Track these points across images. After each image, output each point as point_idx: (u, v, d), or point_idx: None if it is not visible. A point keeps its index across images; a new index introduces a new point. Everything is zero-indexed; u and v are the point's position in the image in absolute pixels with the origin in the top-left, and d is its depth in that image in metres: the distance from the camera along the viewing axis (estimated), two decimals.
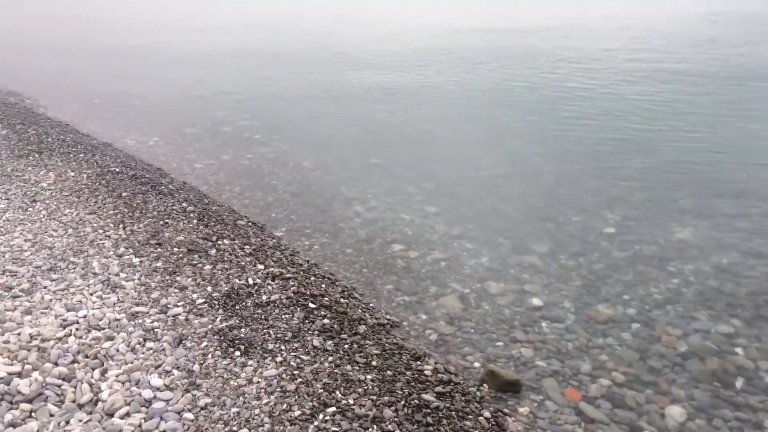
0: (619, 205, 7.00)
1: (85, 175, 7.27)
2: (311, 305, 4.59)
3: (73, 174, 7.29)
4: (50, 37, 20.76)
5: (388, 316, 4.83)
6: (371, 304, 5.01)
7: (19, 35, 21.42)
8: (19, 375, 3.43)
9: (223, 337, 3.96)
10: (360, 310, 4.80)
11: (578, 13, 27.77)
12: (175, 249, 5.36)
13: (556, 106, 11.13)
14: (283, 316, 4.36)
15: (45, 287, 4.49)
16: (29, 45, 19.10)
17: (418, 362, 4.08)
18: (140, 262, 5.03)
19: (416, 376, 3.88)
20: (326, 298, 4.81)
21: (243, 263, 5.23)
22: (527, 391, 3.93)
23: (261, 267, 5.19)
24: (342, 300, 4.91)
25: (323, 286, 5.11)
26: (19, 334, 3.82)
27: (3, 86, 12.92)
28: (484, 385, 3.96)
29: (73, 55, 17.23)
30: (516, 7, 26.62)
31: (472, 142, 9.36)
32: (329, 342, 4.08)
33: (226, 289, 4.68)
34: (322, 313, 4.51)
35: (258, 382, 3.54)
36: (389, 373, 3.83)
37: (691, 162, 8.27)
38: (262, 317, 4.31)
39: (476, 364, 4.21)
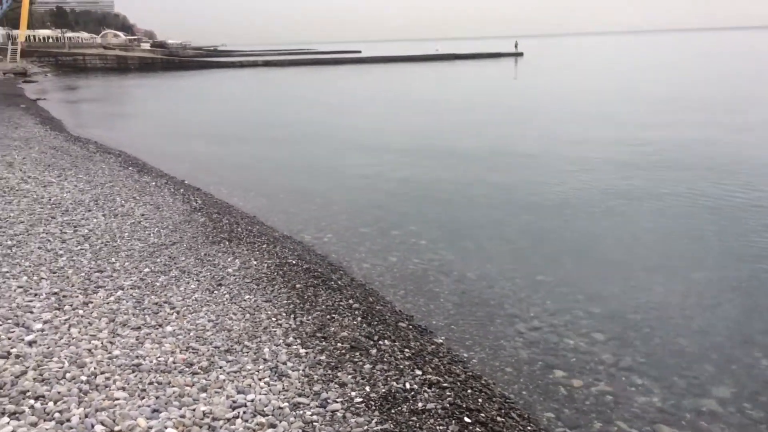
0: None
1: (265, 265, 7.84)
2: (467, 419, 4.47)
3: (255, 263, 7.90)
4: (243, 127, 23.29)
5: None
6: (529, 428, 4.76)
7: (203, 124, 24.28)
8: None
9: None
10: None
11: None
12: (339, 344, 5.53)
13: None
14: (438, 427, 4.27)
15: (221, 367, 4.81)
16: (219, 134, 21.56)
17: None
18: (306, 353, 5.25)
19: None
20: (482, 414, 4.67)
21: (402, 366, 5.26)
22: None
23: (419, 372, 5.19)
24: (499, 419, 4.73)
25: (480, 400, 4.97)
26: (194, 410, 4.09)
27: (201, 178, 14.53)
28: None
29: (262, 144, 19.10)
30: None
31: (652, 264, 8.86)
32: None
33: (383, 391, 4.71)
34: (478, 429, 4.37)
35: None
36: None
37: None
38: (417, 425, 4.26)
39: None
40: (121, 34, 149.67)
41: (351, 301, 6.92)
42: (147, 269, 7.27)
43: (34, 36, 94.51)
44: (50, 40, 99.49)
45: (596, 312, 7.27)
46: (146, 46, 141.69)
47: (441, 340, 6.43)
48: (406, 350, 5.73)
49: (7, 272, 6.62)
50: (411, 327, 6.62)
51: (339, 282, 7.69)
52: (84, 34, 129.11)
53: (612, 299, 7.67)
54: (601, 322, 6.97)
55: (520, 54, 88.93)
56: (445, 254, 9.38)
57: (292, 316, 6.15)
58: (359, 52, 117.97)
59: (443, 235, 10.37)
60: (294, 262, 8.18)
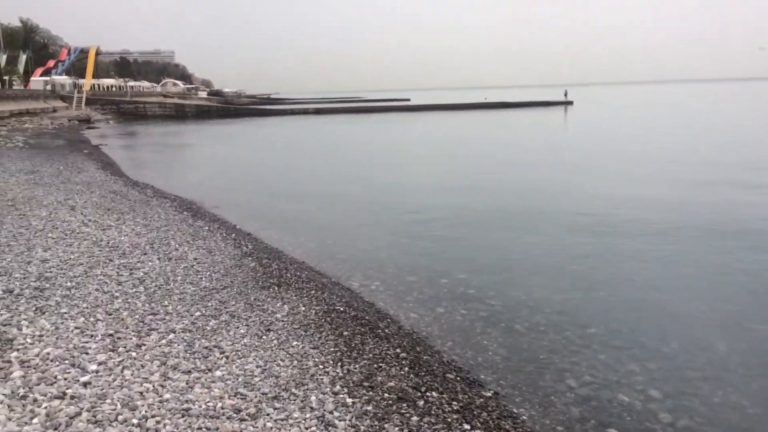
0: None
1: (313, 311, 7.88)
2: None
3: (303, 309, 7.95)
4: (294, 173, 23.74)
5: None
6: None
7: (254, 170, 24.83)
8: None
9: None
10: None
11: None
12: (386, 395, 5.48)
13: None
14: None
15: (268, 414, 4.82)
16: (270, 181, 21.99)
17: None
18: (353, 402, 5.21)
19: None
20: None
21: (449, 420, 5.17)
22: None
23: (467, 427, 5.09)
24: None
25: None
26: None
27: (252, 223, 14.80)
28: None
29: (312, 190, 19.39)
30: None
31: (712, 319, 8.54)
32: None
33: None
34: None
35: None
36: None
37: None
38: None
39: None
40: (179, 83, 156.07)
41: (398, 351, 6.87)
42: (198, 313, 7.39)
43: (98, 85, 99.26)
44: (113, 89, 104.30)
45: (652, 367, 7.02)
46: (203, 94, 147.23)
47: (489, 394, 6.30)
48: (454, 403, 5.63)
49: (66, 313, 6.83)
50: (459, 379, 6.52)
51: (386, 330, 7.66)
52: (145, 83, 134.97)
53: (669, 354, 7.41)
54: (657, 379, 6.73)
55: (570, 102, 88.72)
56: (494, 304, 9.26)
57: (339, 364, 6.14)
58: (408, 100, 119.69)
59: (492, 283, 10.25)
60: (342, 309, 8.20)
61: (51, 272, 8.38)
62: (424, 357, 6.95)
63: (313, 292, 8.91)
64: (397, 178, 23.92)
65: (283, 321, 7.39)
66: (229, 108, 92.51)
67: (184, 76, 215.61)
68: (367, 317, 8.05)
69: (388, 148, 37.59)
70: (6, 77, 77.78)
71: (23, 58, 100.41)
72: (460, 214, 16.12)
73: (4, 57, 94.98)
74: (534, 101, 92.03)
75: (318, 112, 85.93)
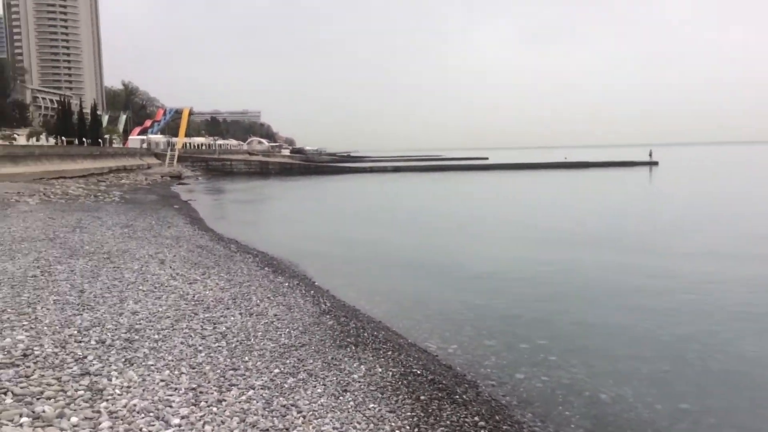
0: None
1: (390, 373, 7.82)
2: None
3: (380, 370, 7.90)
4: (373, 231, 23.95)
5: None
6: None
7: (334, 226, 25.15)
8: None
9: None
10: None
11: None
12: None
13: None
14: None
15: None
16: (349, 238, 22.25)
17: None
18: None
19: None
20: None
21: None
22: None
23: None
24: None
25: None
26: None
27: (331, 280, 14.98)
28: None
29: (391, 249, 19.48)
30: None
31: None
32: None
33: None
34: None
35: None
36: None
37: None
38: None
39: None
40: (264, 141, 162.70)
41: (477, 419, 6.69)
42: (277, 370, 7.48)
43: (189, 143, 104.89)
44: (203, 147, 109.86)
45: None
46: (286, 152, 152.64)
47: None
48: None
49: (153, 365, 7.06)
50: None
51: (464, 396, 7.49)
52: (232, 141, 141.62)
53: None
54: None
55: (655, 163, 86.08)
56: (576, 372, 8.91)
57: (417, 430, 6.02)
58: (486, 158, 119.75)
59: (573, 350, 9.90)
60: (419, 372, 8.10)
61: (140, 324, 8.73)
62: (504, 427, 6.73)
63: (390, 353, 8.86)
64: (476, 239, 23.76)
65: (359, 382, 7.37)
66: (310, 165, 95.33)
67: (269, 135, 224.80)
68: (444, 381, 7.91)
69: (466, 207, 37.50)
70: (107, 136, 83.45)
71: (123, 117, 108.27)
72: (539, 277, 15.78)
73: (107, 117, 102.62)
74: (616, 161, 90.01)
75: (396, 170, 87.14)
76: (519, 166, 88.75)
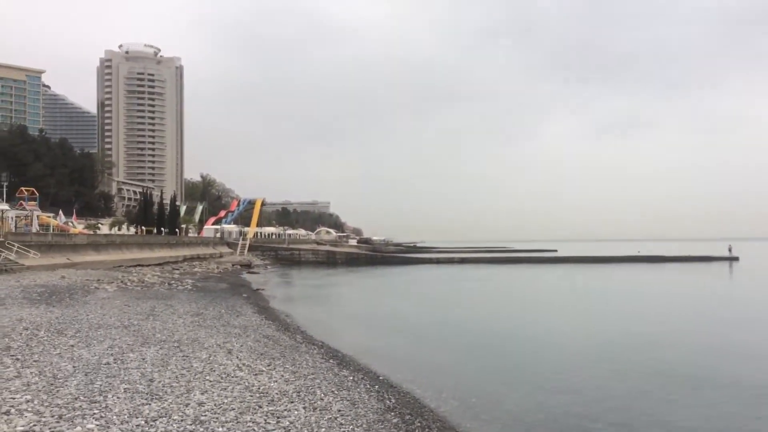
0: None
1: None
2: None
3: None
4: (442, 325, 23.47)
5: None
6: None
7: (402, 319, 24.74)
8: None
9: None
10: None
11: None
12: None
13: None
14: None
15: None
16: (417, 331, 21.85)
17: None
18: None
19: None
20: None
21: None
22: None
23: None
24: None
25: None
26: None
27: (397, 375, 14.67)
28: None
29: (459, 344, 18.99)
30: None
31: None
32: None
33: None
34: None
35: None
36: None
37: None
38: None
39: None
40: (332, 231, 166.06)
41: None
42: None
43: (260, 233, 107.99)
44: (273, 236, 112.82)
45: None
46: (353, 242, 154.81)
47: None
48: None
49: None
50: None
51: None
52: (302, 231, 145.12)
53: None
54: None
55: (736, 258, 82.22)
56: None
57: None
58: (555, 251, 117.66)
59: None
60: None
61: (206, 416, 8.73)
62: None
63: None
64: (546, 334, 23.00)
65: None
66: (377, 255, 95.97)
67: (337, 225, 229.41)
68: None
69: (537, 301, 36.60)
70: (184, 225, 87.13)
71: (200, 208, 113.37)
72: (614, 375, 15.01)
73: (184, 207, 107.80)
74: (693, 256, 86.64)
75: (463, 261, 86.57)
76: (590, 259, 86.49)
